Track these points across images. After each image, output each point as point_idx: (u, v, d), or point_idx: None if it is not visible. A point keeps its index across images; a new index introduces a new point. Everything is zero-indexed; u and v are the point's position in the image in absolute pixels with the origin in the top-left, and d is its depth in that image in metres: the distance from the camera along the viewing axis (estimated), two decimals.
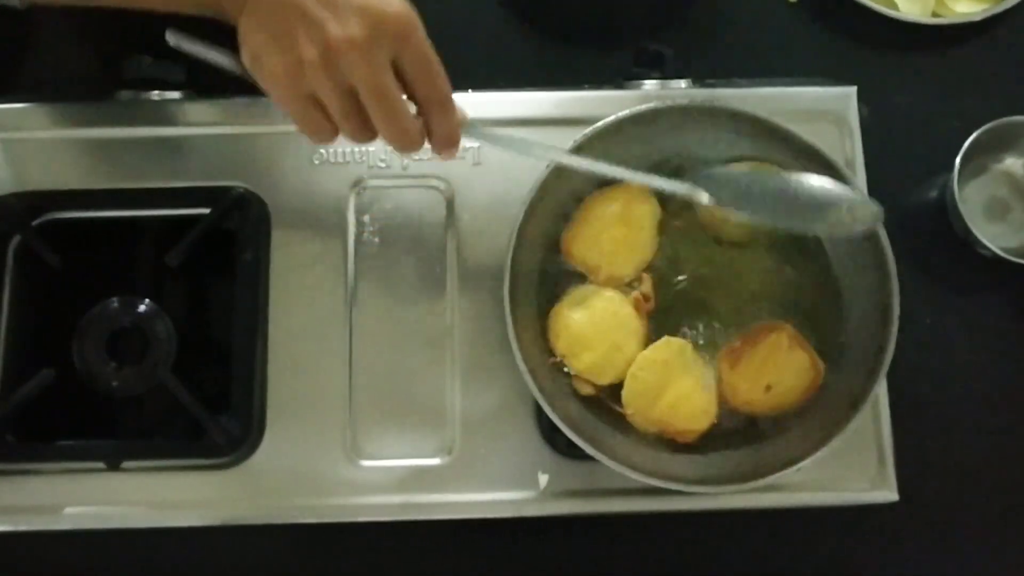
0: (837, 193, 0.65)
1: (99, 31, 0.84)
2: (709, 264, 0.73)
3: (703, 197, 0.64)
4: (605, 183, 0.71)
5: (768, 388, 0.69)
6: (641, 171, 0.65)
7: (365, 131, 0.60)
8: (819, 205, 0.65)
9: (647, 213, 0.72)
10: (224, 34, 0.61)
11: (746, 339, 0.70)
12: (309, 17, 0.56)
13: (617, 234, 0.71)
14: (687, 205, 0.70)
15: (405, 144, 0.61)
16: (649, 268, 0.72)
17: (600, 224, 0.71)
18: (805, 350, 0.70)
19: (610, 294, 0.71)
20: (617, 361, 0.70)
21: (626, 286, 0.72)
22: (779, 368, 0.69)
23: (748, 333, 0.70)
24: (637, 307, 0.70)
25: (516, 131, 0.75)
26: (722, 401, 0.70)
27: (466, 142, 0.63)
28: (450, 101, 0.61)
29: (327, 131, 0.60)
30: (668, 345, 0.70)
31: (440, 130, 0.61)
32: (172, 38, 0.61)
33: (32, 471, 0.71)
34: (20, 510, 0.71)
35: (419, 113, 0.61)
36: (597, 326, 0.69)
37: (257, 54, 0.58)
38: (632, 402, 0.69)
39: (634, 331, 0.70)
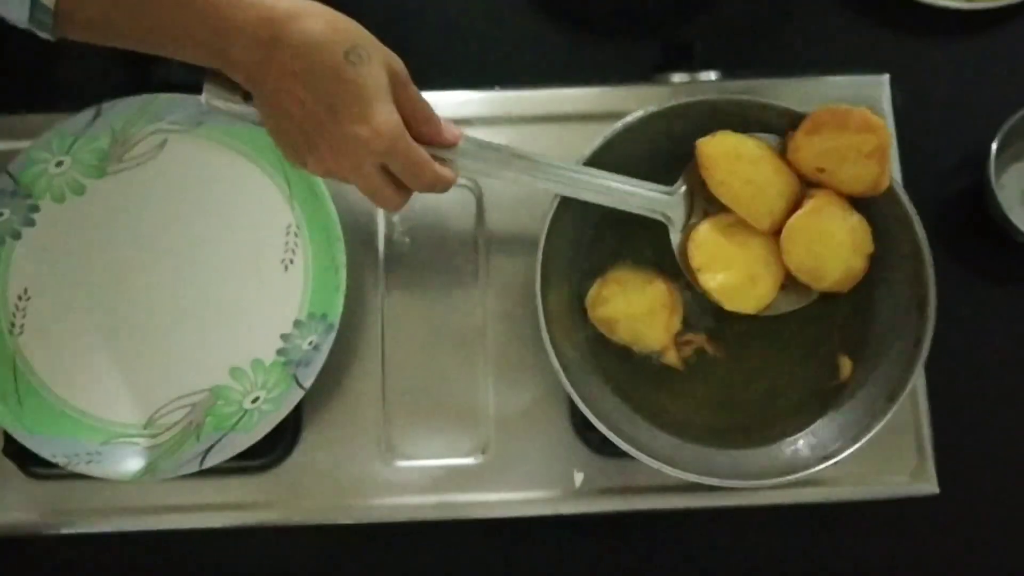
0: None
1: None
2: None
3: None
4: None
5: (821, 170, 0.67)
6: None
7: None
8: None
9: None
10: None
11: (838, 118, 0.66)
12: (310, 142, 0.60)
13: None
14: None
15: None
16: None
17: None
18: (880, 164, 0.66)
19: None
20: (748, 292, 0.68)
21: None
22: (842, 161, 0.67)
23: (843, 114, 0.66)
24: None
25: (544, 128, 0.76)
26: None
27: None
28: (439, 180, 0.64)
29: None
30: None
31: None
32: (208, 95, 0.62)
33: (75, 474, 0.72)
34: (64, 512, 0.72)
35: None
36: (741, 250, 0.67)
37: (272, 132, 0.62)
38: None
39: (774, 272, 0.68)
